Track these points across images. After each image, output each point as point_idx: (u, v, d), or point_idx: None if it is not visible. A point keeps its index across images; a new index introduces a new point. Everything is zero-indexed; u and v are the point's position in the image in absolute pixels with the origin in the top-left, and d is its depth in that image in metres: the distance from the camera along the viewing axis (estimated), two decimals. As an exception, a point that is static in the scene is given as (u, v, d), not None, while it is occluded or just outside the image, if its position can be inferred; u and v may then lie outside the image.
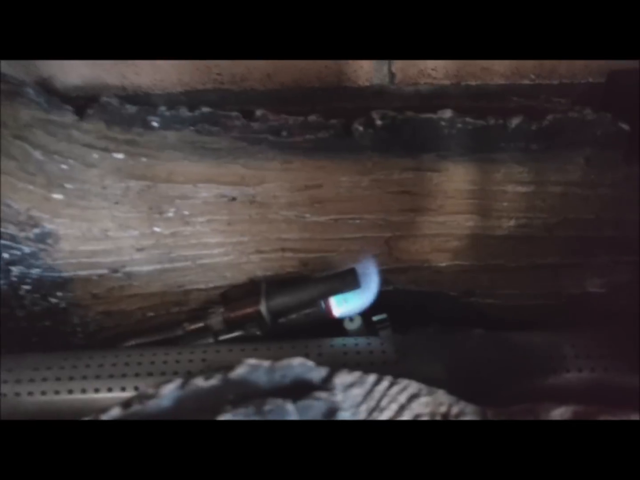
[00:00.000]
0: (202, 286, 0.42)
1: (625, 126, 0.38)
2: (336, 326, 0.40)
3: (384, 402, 0.28)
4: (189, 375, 0.28)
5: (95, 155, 0.38)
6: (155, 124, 0.38)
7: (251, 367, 0.28)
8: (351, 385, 0.28)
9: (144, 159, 0.38)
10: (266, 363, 0.28)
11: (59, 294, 0.41)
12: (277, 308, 0.40)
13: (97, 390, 0.35)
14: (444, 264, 0.43)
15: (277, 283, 0.42)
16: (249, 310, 0.40)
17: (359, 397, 0.28)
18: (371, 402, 0.28)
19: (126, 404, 0.28)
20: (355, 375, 0.29)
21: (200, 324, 0.41)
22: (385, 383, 0.29)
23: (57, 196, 0.38)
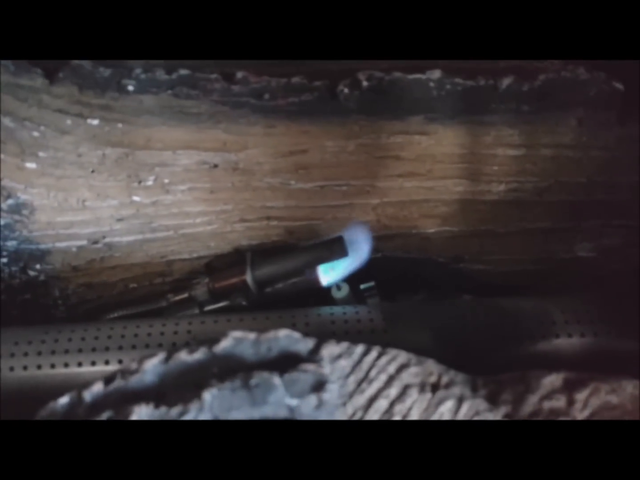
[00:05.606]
0: (186, 256, 0.41)
1: (619, 86, 0.37)
2: (324, 295, 0.40)
3: (372, 373, 0.28)
4: (172, 350, 0.28)
5: (68, 121, 0.36)
6: (130, 87, 0.36)
7: (236, 340, 0.27)
8: (339, 357, 0.28)
9: (120, 125, 0.36)
10: (252, 335, 0.27)
11: (38, 266, 0.39)
12: (263, 277, 0.39)
13: (80, 364, 0.35)
14: (432, 230, 0.42)
15: (263, 252, 0.41)
16: (235, 280, 0.39)
17: (347, 369, 0.27)
18: (359, 374, 0.27)
19: (109, 379, 0.27)
20: (343, 346, 0.28)
21: (185, 295, 0.40)
22: (373, 353, 0.28)
23: (31, 165, 0.37)
